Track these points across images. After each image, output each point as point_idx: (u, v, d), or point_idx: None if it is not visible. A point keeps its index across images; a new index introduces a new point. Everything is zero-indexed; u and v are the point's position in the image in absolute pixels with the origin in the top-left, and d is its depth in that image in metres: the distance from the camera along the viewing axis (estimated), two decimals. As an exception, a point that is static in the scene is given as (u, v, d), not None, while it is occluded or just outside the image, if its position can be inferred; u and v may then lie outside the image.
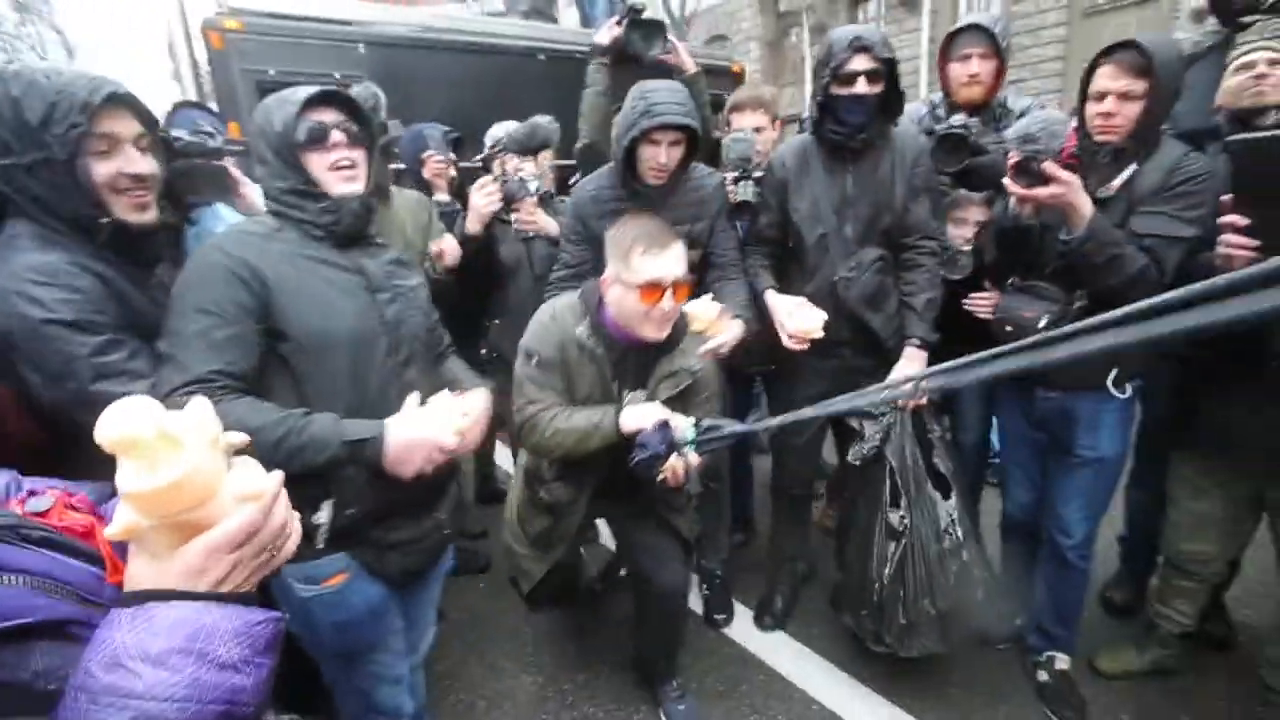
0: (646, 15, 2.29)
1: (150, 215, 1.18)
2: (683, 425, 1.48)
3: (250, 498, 0.61)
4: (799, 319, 1.88)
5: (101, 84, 1.08)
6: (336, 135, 1.22)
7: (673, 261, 1.56)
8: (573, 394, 1.69)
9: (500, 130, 2.53)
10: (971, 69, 2.16)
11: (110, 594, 0.61)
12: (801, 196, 1.98)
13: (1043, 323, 1.66)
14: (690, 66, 2.27)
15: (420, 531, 1.34)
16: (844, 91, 1.82)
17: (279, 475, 0.64)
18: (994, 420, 2.25)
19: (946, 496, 1.95)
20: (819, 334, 1.86)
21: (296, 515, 0.67)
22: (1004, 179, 1.63)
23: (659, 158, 1.87)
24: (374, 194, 1.31)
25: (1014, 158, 1.58)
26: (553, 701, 2.14)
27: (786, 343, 1.90)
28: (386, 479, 1.17)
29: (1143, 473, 2.20)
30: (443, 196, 2.60)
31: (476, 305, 2.53)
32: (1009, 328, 1.72)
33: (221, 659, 0.52)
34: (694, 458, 1.50)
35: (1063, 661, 2.03)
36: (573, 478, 1.78)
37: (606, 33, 2.30)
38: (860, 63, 1.79)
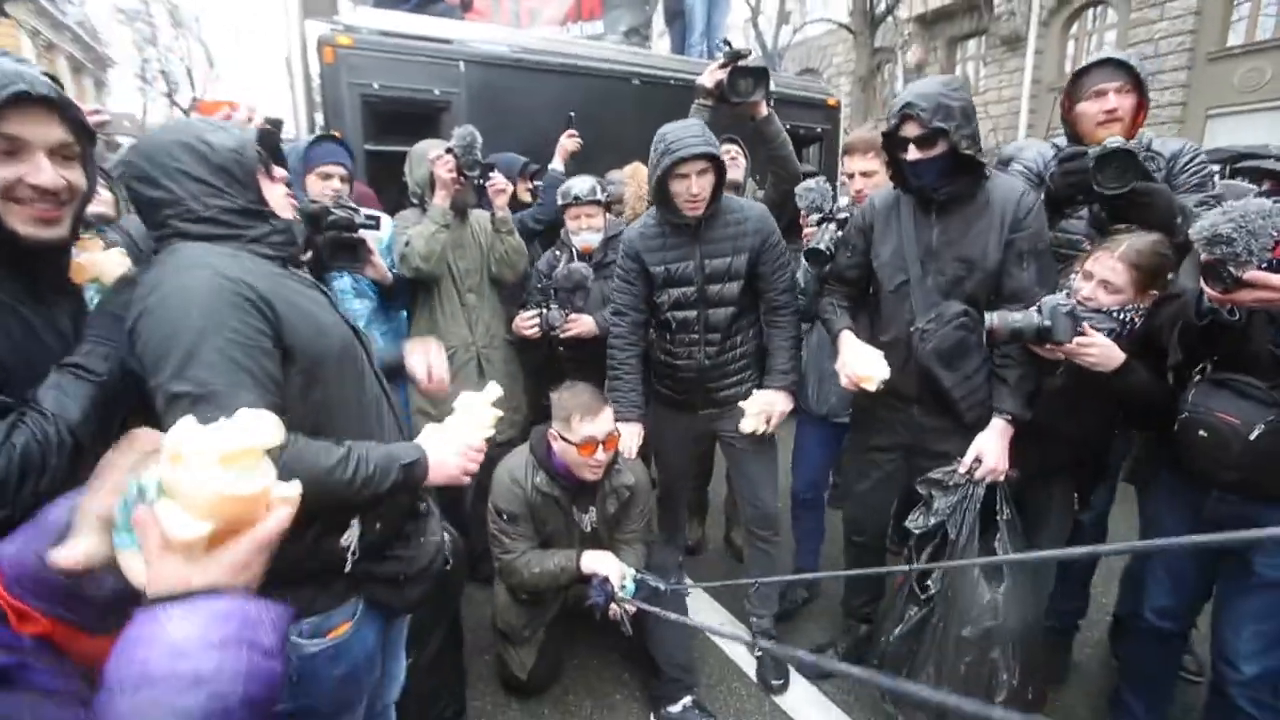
0: (750, 59, 2.35)
1: (55, 232, 1.02)
2: (626, 575, 1.89)
3: (286, 501, 0.64)
4: (859, 365, 1.84)
5: (13, 81, 0.93)
6: (280, 170, 1.23)
7: (603, 423, 1.98)
8: (541, 530, 2.11)
9: (576, 185, 2.57)
10: (1108, 104, 1.88)
11: (29, 642, 0.63)
12: (885, 243, 1.91)
13: (1256, 433, 1.37)
14: (763, 112, 2.36)
15: (429, 557, 1.35)
16: (901, 155, 1.76)
17: (298, 483, 0.67)
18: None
19: (997, 585, 1.71)
20: (872, 387, 1.81)
21: None
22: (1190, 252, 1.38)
23: (690, 189, 1.97)
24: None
25: (1204, 259, 1.32)
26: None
27: (843, 381, 1.91)
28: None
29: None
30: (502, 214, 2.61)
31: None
32: (1203, 432, 1.44)
33: (265, 646, 0.56)
34: (628, 606, 1.90)
35: None
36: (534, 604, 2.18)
37: (710, 76, 2.36)
38: (908, 129, 1.72)
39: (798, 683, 2.27)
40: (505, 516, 2.06)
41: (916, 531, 1.82)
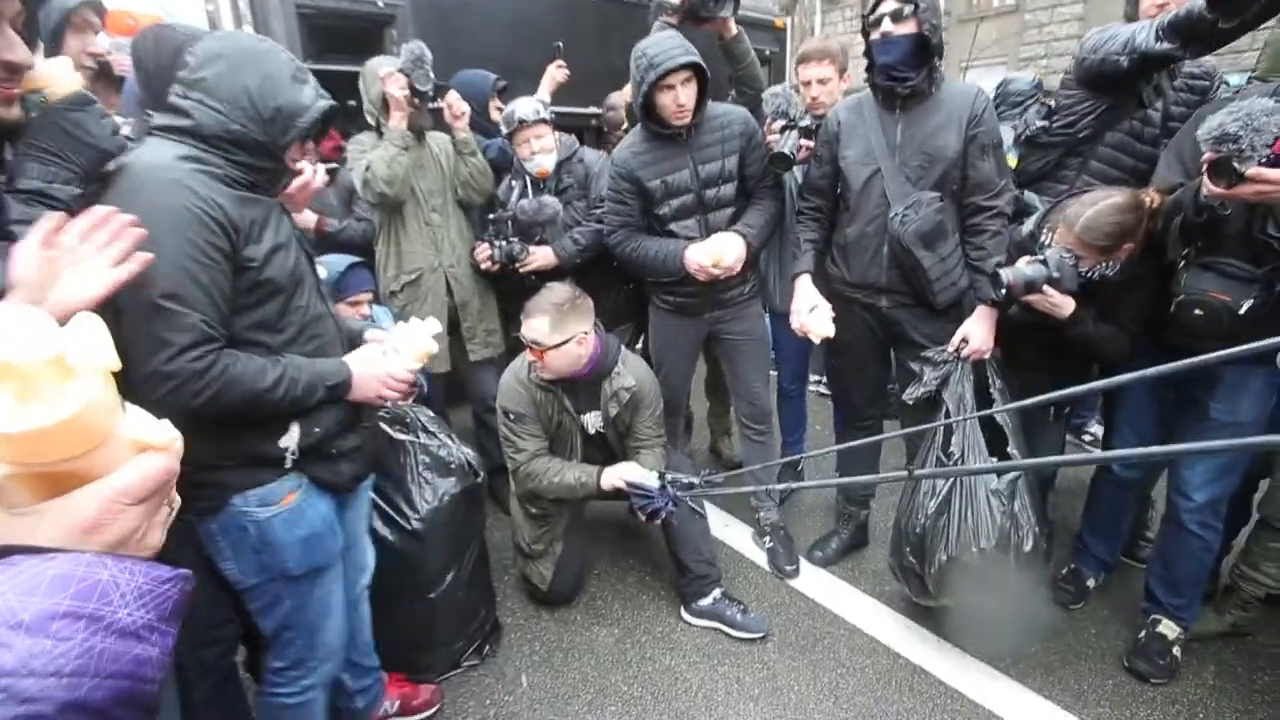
0: None
1: (15, 112, 0.98)
2: (650, 479, 1.90)
3: (155, 447, 0.49)
4: (814, 319, 2.03)
5: None
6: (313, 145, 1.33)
7: (537, 328, 1.94)
8: (548, 428, 2.13)
9: (520, 108, 2.45)
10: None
11: None
12: (851, 144, 2.04)
13: (1245, 308, 1.54)
14: (732, 30, 2.30)
15: (363, 438, 1.43)
16: (876, 34, 1.89)
17: (167, 426, 0.53)
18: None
19: (999, 450, 1.92)
20: (816, 340, 2.04)
21: None
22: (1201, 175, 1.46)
23: (678, 99, 2.01)
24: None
25: (1209, 157, 1.41)
26: (632, 653, 2.12)
27: (794, 325, 2.08)
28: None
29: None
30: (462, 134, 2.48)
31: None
32: (1198, 311, 1.60)
33: (123, 624, 0.41)
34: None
35: (1169, 628, 1.97)
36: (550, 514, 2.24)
37: None
38: (886, 5, 1.85)
39: (806, 567, 2.47)
40: (512, 416, 2.10)
41: (909, 402, 2.02)
